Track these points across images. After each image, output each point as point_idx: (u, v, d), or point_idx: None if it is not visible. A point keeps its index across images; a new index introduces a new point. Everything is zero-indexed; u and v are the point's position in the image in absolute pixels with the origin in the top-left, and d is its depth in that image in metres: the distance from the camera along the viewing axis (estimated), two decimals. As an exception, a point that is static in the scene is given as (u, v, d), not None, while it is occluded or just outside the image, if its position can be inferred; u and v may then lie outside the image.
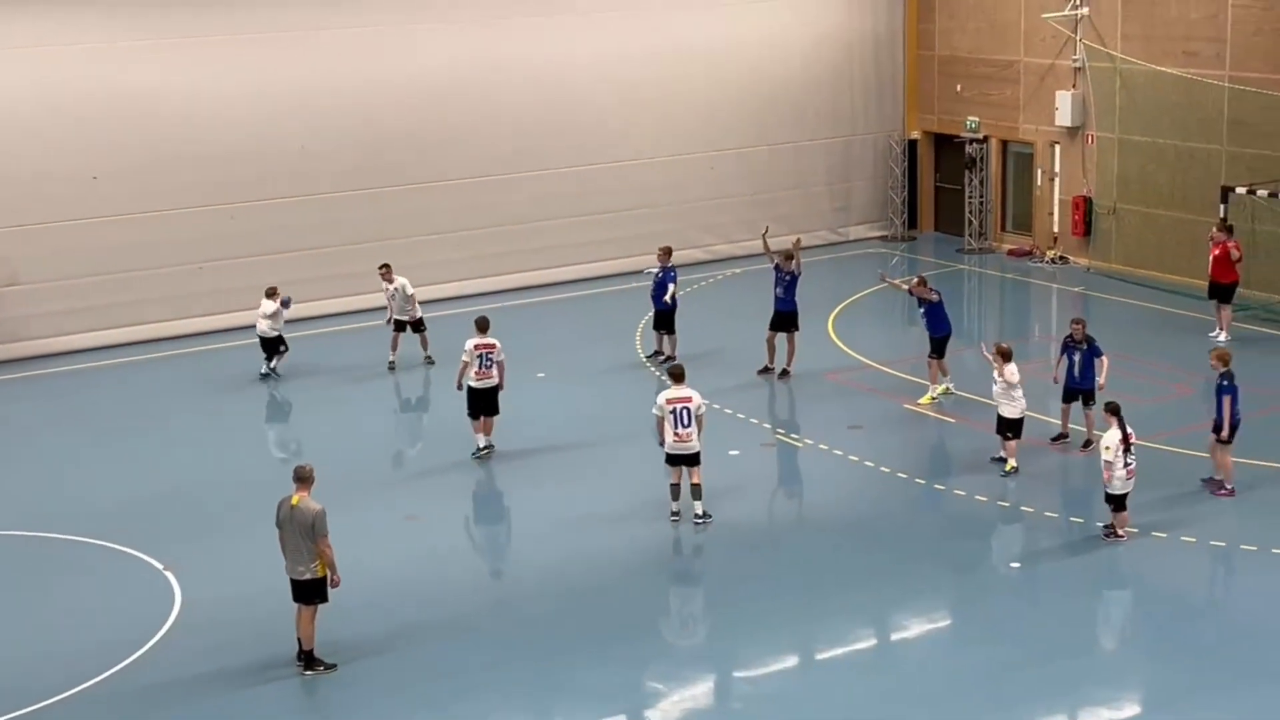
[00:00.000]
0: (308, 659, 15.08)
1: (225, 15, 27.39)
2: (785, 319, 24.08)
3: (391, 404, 24.30)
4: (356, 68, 28.51)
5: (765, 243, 25.57)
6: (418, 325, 25.30)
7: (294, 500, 14.81)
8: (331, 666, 15.11)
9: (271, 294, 24.71)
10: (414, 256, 28.12)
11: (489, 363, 20.65)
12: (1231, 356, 19.01)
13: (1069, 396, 20.30)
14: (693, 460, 18.26)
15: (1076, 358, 20.17)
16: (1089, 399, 20.08)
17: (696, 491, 18.33)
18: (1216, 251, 25.12)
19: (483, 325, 20.89)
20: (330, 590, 15.04)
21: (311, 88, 28.21)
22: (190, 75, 27.21)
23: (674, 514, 18.48)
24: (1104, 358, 20.18)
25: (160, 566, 17.60)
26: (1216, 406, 18.69)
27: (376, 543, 18.05)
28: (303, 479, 14.93)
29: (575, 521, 18.76)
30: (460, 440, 21.28)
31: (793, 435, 21.70)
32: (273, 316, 24.65)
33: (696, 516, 18.35)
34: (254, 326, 24.92)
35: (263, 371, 24.89)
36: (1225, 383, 18.63)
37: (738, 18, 31.95)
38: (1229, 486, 18.74)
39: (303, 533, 14.73)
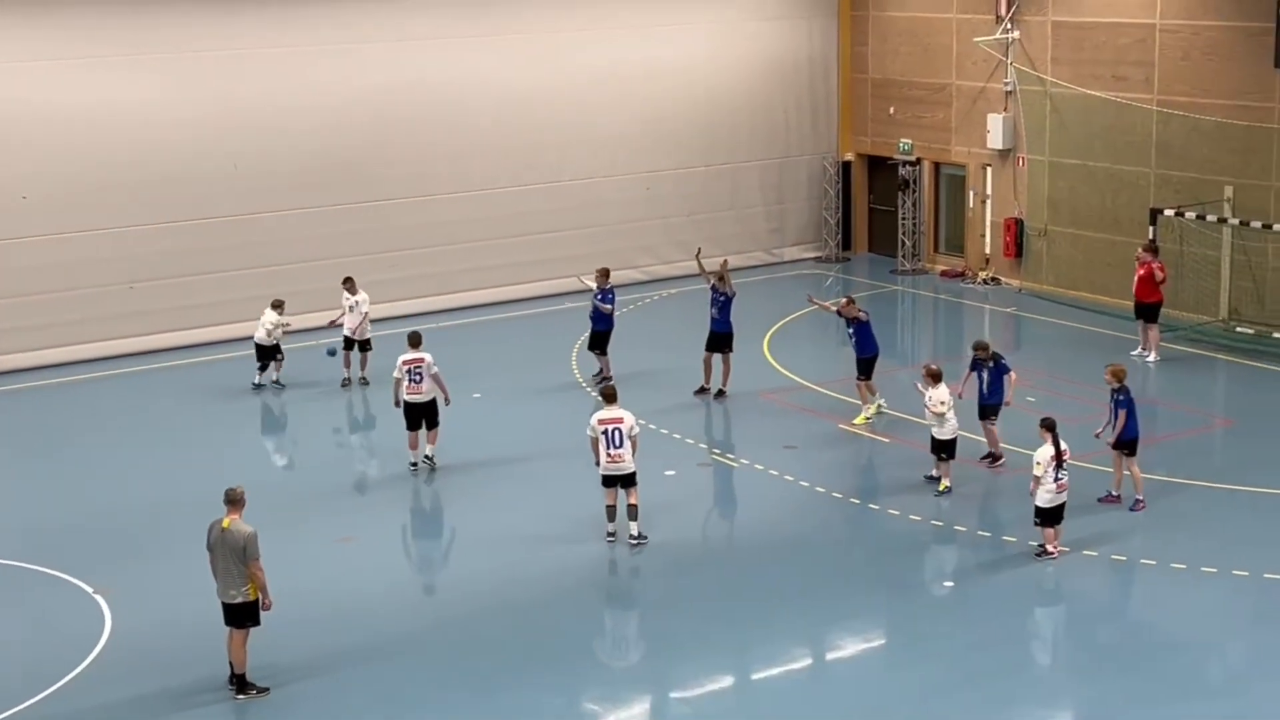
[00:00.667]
0: (240, 683, 14.94)
1: (159, 35, 27.17)
2: (720, 340, 24.17)
3: (330, 424, 24.15)
4: (293, 88, 28.38)
5: (699, 263, 25.66)
6: (365, 345, 25.22)
7: (225, 523, 14.69)
8: (264, 690, 14.99)
9: (277, 306, 24.90)
10: (332, 279, 27.87)
11: (418, 377, 20.78)
12: (1126, 372, 19.29)
13: (982, 414, 20.52)
14: (628, 481, 18.27)
15: (985, 375, 20.44)
16: (994, 414, 20.40)
17: (632, 512, 18.34)
18: (1141, 272, 25.46)
19: (414, 340, 21.08)
20: (262, 613, 14.91)
21: (247, 108, 28.04)
22: (125, 95, 26.97)
23: (610, 534, 18.48)
24: (1011, 374, 20.49)
25: (90, 590, 17.39)
26: (1112, 420, 18.97)
27: (311, 565, 17.92)
28: (233, 501, 14.82)
29: (511, 542, 18.71)
30: (397, 461, 21.22)
31: (728, 455, 21.76)
32: (274, 327, 24.78)
33: (631, 537, 18.35)
34: (184, 347, 24.75)
35: (255, 382, 25.02)
36: (1121, 398, 18.93)
37: (674, 40, 32.10)
38: (1139, 497, 19.02)
39: (234, 555, 14.61)
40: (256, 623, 14.92)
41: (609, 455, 18.10)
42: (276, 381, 25.16)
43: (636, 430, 18.24)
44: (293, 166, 28.63)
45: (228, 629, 14.91)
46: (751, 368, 25.54)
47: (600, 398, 18.67)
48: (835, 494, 20.10)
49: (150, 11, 27.09)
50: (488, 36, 30.21)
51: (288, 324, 25.16)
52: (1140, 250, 25.90)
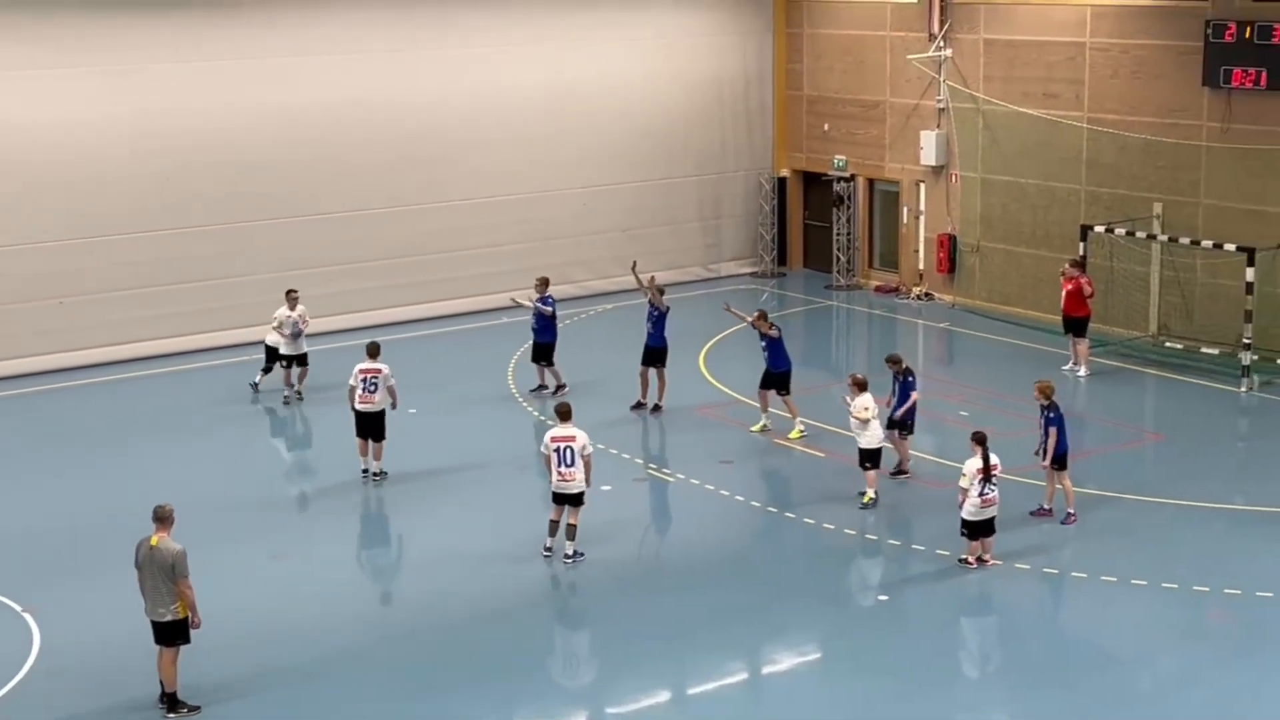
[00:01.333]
0: (170, 701, 14.79)
1: (93, 46, 26.89)
2: (654, 354, 24.25)
3: (267, 440, 23.98)
4: (229, 99, 28.16)
5: (637, 276, 25.71)
6: (303, 359, 25.09)
7: (153, 541, 14.56)
8: (195, 709, 14.84)
9: (290, 298, 24.94)
10: (264, 294, 27.56)
11: (373, 387, 20.89)
12: (1054, 388, 19.50)
13: (888, 425, 20.66)
14: (575, 500, 18.17)
15: (895, 388, 20.70)
16: (903, 428, 20.64)
17: (570, 532, 18.25)
18: (1069, 287, 25.71)
19: (372, 351, 21.30)
20: (193, 631, 14.78)
21: (183, 120, 27.78)
22: (55, 107, 26.67)
23: (546, 549, 18.43)
24: (914, 394, 20.78)
25: (19, 609, 17.16)
26: (1043, 435, 19.18)
27: (243, 581, 17.78)
28: (162, 519, 14.68)
29: (447, 558, 18.65)
30: (334, 477, 21.12)
31: (664, 470, 21.79)
32: (280, 328, 24.77)
33: (566, 556, 18.27)
34: (112, 363, 24.52)
35: (253, 382, 25.24)
36: (1051, 414, 19.14)
37: (612, 56, 32.16)
38: (1071, 511, 19.21)
39: (162, 574, 14.48)
40: (187, 640, 14.78)
41: (559, 473, 17.99)
42: (298, 392, 24.97)
43: (589, 450, 18.13)
44: (228, 180, 28.40)
45: (158, 647, 14.76)
46: (687, 382, 25.61)
47: (555, 414, 18.58)
48: (770, 508, 20.18)
49: (94, 23, 26.83)
50: (426, 52, 30.14)
51: (290, 318, 24.68)
52: (1066, 266, 26.16)
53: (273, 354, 25.17)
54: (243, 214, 28.68)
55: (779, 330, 22.93)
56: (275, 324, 24.92)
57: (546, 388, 25.23)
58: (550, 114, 31.62)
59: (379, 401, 21.00)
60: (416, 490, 21.03)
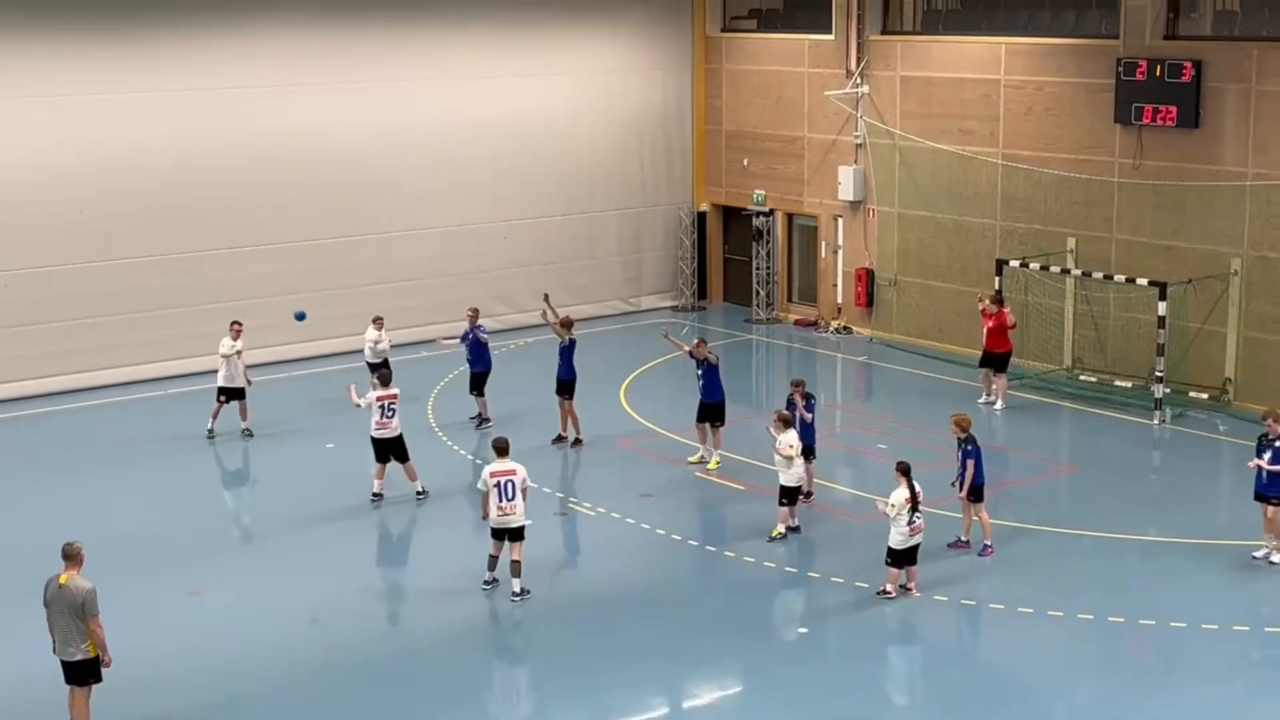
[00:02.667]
0: (83, 742, 14.55)
1: (17, 75, 26.60)
2: (563, 385, 24.30)
3: (201, 475, 23.70)
4: (146, 134, 27.89)
5: (546, 310, 25.72)
6: (242, 393, 24.82)
7: (62, 579, 14.30)
8: (108, 749, 14.62)
9: (378, 323, 26.15)
10: (207, 324, 27.35)
11: (391, 412, 21.29)
12: (970, 422, 19.70)
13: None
14: (516, 535, 18.07)
15: (795, 414, 20.81)
16: (808, 454, 20.70)
17: (515, 569, 18.09)
18: (992, 324, 25.94)
19: (385, 379, 21.63)
20: (104, 670, 14.54)
21: (96, 153, 27.50)
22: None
23: (486, 583, 18.31)
24: (809, 416, 21.01)
25: (-75, 648, 16.84)
26: (960, 468, 19.37)
27: (160, 619, 17.52)
28: (70, 556, 14.42)
29: (371, 594, 18.50)
30: (260, 512, 20.90)
31: (584, 504, 21.75)
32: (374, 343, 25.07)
33: (513, 594, 18.11)
34: (29, 398, 24.16)
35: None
36: (969, 447, 19.33)
37: (533, 90, 32.20)
38: (988, 543, 19.39)
39: (72, 612, 14.23)
40: (98, 679, 14.52)
41: (500, 508, 17.91)
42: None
43: (528, 484, 18.10)
44: (142, 213, 28.12)
45: (69, 687, 14.50)
46: (608, 415, 25.62)
47: (492, 450, 18.42)
48: (691, 541, 20.19)
49: (14, 51, 26.59)
50: (345, 85, 30.03)
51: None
52: (986, 302, 26.42)
53: (374, 369, 25.09)
54: (167, 246, 28.42)
55: (717, 358, 23.00)
56: (224, 353, 24.53)
57: (486, 418, 25.27)
58: (470, 148, 31.60)
59: (395, 426, 21.32)
60: (338, 525, 20.85)
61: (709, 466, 22.78)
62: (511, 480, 17.92)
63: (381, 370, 22.09)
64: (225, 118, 28.73)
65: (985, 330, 26.04)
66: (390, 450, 21.45)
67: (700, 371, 22.86)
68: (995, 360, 26.09)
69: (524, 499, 18.01)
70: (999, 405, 25.95)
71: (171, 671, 16.28)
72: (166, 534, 20.61)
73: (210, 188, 28.74)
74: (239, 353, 24.53)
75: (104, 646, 14.38)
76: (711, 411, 22.90)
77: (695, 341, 23.41)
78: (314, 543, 20.33)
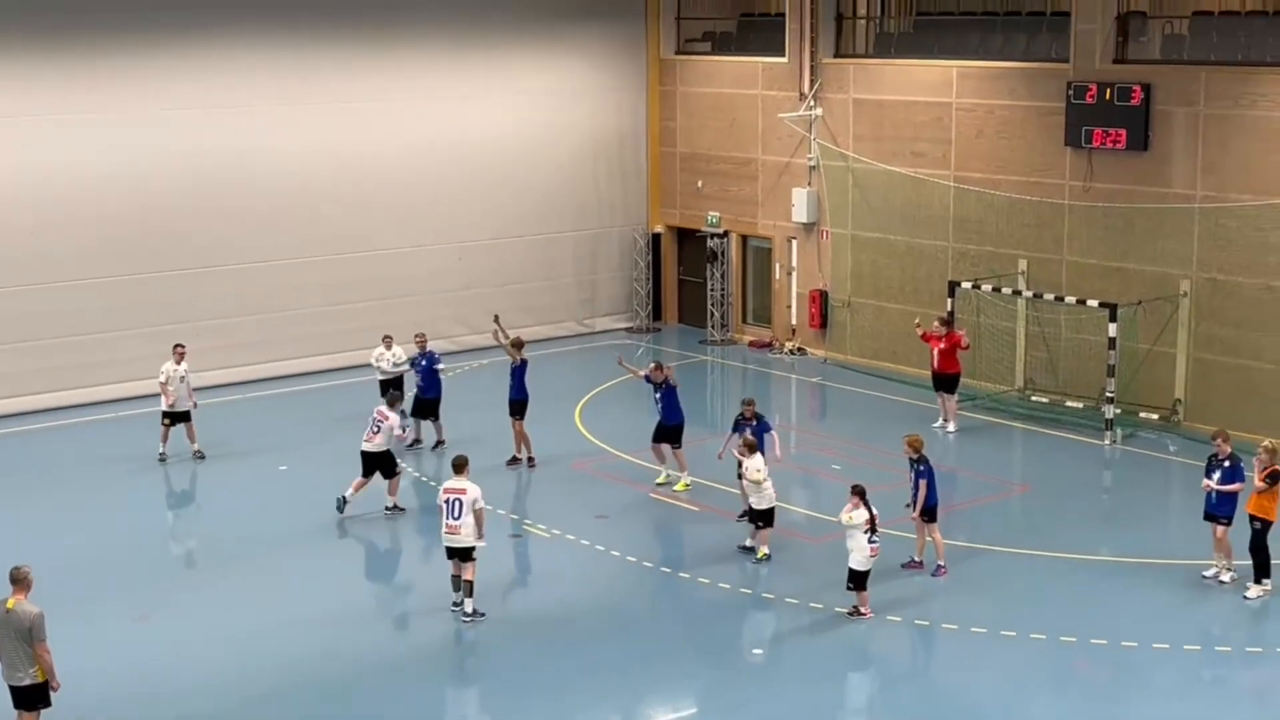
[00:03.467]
0: (33, 768, 14.40)
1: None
2: (515, 406, 24.29)
3: (151, 498, 23.54)
4: (99, 155, 27.76)
5: (495, 334, 25.68)
6: (187, 416, 24.64)
7: (9, 604, 14.16)
8: (58, 775, 14.48)
9: (387, 341, 26.24)
10: (159, 345, 27.05)
11: (376, 428, 21.71)
12: (923, 442, 19.81)
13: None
14: (463, 555, 18.01)
15: (748, 433, 20.81)
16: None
17: (467, 589, 18.06)
18: (944, 346, 26.06)
19: (394, 401, 22.42)
20: (52, 694, 14.39)
21: (46, 173, 27.34)
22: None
23: (455, 604, 18.31)
24: (773, 432, 21.17)
25: None
26: (913, 489, 19.46)
27: (108, 644, 17.38)
28: (18, 581, 14.27)
29: (318, 618, 18.40)
30: (210, 536, 20.81)
31: (540, 526, 21.71)
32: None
33: (465, 614, 18.09)
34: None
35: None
36: (922, 467, 19.43)
37: (488, 112, 32.22)
38: (941, 563, 19.48)
39: (19, 637, 14.09)
40: (47, 704, 14.39)
41: (446, 525, 17.95)
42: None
43: (480, 504, 17.99)
44: (95, 235, 27.95)
45: (17, 712, 14.36)
46: (563, 437, 25.61)
47: (451, 467, 18.50)
48: (646, 563, 20.19)
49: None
50: (301, 108, 29.96)
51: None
52: (935, 324, 26.47)
53: (386, 385, 25.53)
54: (118, 268, 28.27)
55: (677, 380, 22.92)
56: (162, 379, 24.37)
57: (420, 441, 25.19)
58: (425, 169, 31.57)
59: (381, 442, 21.68)
60: (290, 548, 20.74)
61: (677, 488, 22.69)
62: (460, 499, 17.89)
63: (392, 391, 22.91)
64: (177, 140, 28.58)
65: (936, 352, 26.11)
66: (370, 462, 21.78)
67: (659, 395, 22.81)
68: (946, 381, 26.21)
69: (476, 521, 17.93)
70: (951, 427, 26.07)
71: (119, 696, 16.13)
72: (114, 558, 20.44)
73: (161, 210, 28.58)
74: (183, 377, 24.36)
75: (51, 672, 14.24)
76: (669, 433, 22.85)
77: (651, 365, 23.37)
78: (266, 566, 20.20)
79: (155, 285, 28.65)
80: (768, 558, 19.97)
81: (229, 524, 21.82)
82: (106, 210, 28.00)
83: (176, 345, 24.74)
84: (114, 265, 28.19)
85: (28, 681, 14.21)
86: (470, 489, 17.98)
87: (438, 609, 18.40)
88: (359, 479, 21.79)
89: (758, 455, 19.95)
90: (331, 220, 30.58)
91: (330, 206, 30.53)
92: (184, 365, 24.45)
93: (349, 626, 18.15)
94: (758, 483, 19.75)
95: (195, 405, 24.71)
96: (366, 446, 21.73)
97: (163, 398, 24.46)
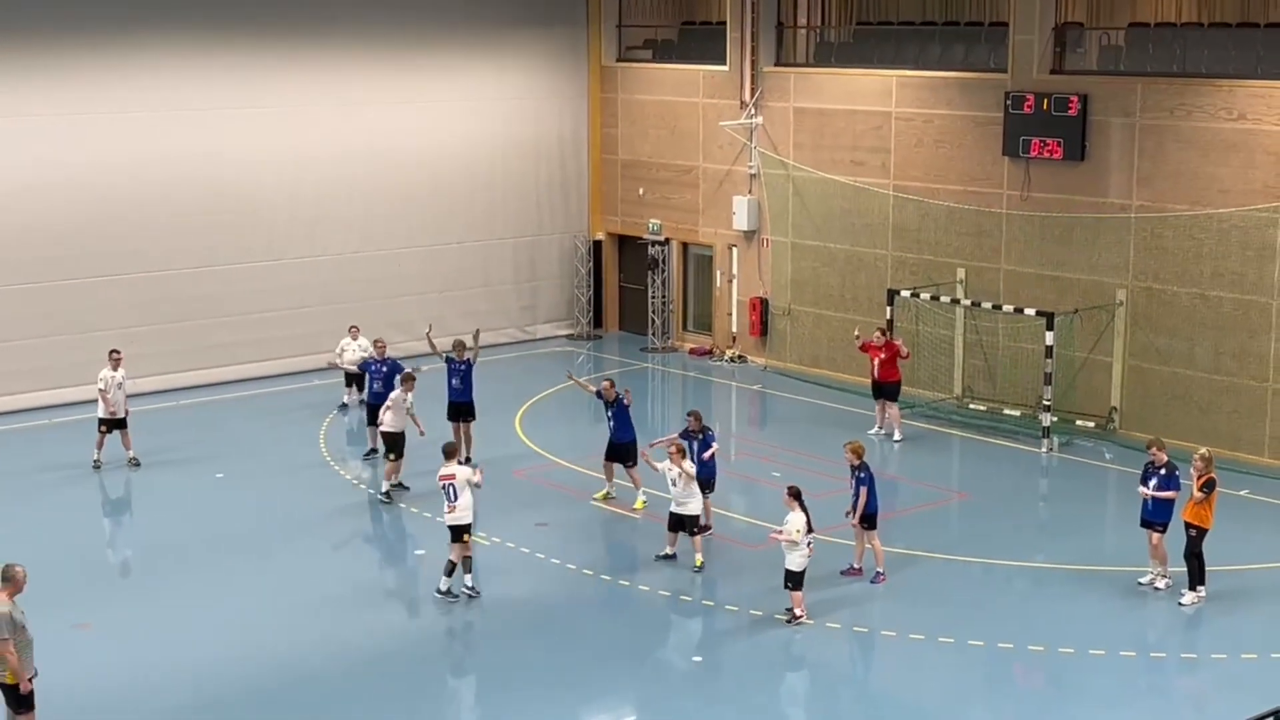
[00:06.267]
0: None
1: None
2: (464, 409, 24.17)
3: (87, 505, 23.24)
4: (30, 158, 27.42)
5: (430, 342, 25.55)
6: (123, 423, 24.36)
7: None
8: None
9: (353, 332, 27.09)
10: (91, 351, 26.73)
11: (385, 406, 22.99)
12: (865, 449, 19.89)
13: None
14: (457, 534, 18.88)
15: (694, 446, 20.78)
16: (707, 486, 20.72)
17: (466, 564, 19.02)
18: (884, 355, 26.14)
19: (405, 379, 23.22)
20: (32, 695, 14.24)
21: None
22: None
23: (440, 590, 18.97)
24: (713, 445, 21.14)
25: None
26: (854, 495, 19.52)
27: (48, 652, 17.06)
28: (6, 579, 14.29)
29: (250, 623, 18.25)
30: (154, 544, 20.69)
31: (480, 533, 21.58)
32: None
33: (465, 588, 18.99)
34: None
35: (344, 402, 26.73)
36: (862, 474, 19.50)
37: (426, 117, 32.10)
38: (880, 570, 19.54)
39: None
40: (28, 708, 14.24)
41: (448, 507, 18.86)
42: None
43: (475, 479, 18.92)
44: (22, 240, 27.58)
45: (8, 711, 14.26)
46: (504, 443, 25.53)
47: (442, 453, 19.27)
48: (586, 570, 20.14)
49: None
50: (244, 111, 29.70)
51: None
52: (876, 334, 26.50)
53: (350, 377, 26.54)
54: (51, 273, 27.94)
55: (629, 398, 22.56)
56: (101, 386, 24.08)
57: (377, 451, 25.04)
58: (365, 175, 31.41)
59: (390, 423, 22.71)
60: (228, 554, 20.57)
61: (635, 506, 22.21)
62: (452, 484, 18.81)
63: (405, 371, 23.56)
64: (113, 145, 28.28)
65: (877, 362, 26.18)
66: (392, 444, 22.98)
67: (610, 413, 22.57)
68: (887, 389, 26.30)
69: (474, 489, 18.89)
70: (897, 435, 26.11)
71: (65, 705, 15.88)
72: (52, 566, 20.12)
73: (94, 215, 28.25)
74: (120, 384, 24.10)
75: (15, 671, 14.11)
76: (620, 451, 22.51)
77: (604, 383, 22.96)
78: (202, 574, 20.01)
79: (86, 291, 28.29)
80: (704, 566, 19.97)
81: (165, 531, 21.60)
82: (36, 215, 27.64)
83: (112, 351, 24.45)
84: (44, 270, 27.84)
85: (3, 681, 14.14)
86: (459, 471, 18.90)
87: (364, 624, 18.27)
88: (388, 465, 22.85)
89: (686, 462, 19.82)
90: (269, 226, 30.35)
91: (269, 212, 30.31)
92: (121, 371, 24.17)
93: (278, 634, 17.97)
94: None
95: (128, 412, 24.44)
96: (386, 428, 22.84)
97: (100, 404, 24.14)
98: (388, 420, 22.76)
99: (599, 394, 22.84)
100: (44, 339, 27.89)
